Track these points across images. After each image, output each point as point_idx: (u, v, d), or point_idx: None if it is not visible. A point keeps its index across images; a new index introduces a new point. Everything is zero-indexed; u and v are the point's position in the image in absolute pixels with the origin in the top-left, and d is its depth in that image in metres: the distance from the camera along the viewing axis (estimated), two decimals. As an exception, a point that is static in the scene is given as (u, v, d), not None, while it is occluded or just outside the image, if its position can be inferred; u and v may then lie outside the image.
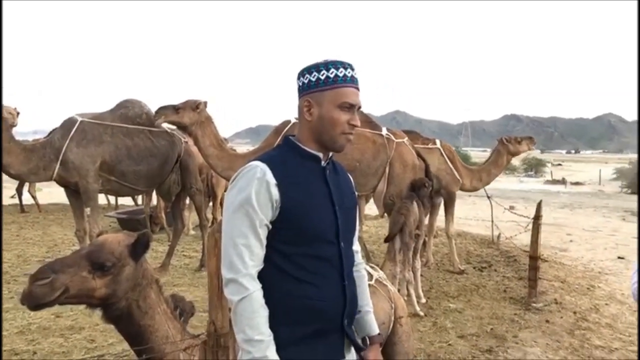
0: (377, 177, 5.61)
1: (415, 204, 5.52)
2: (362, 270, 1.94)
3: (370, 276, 3.06)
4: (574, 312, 5.51)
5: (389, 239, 5.48)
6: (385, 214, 5.95)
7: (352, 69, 1.72)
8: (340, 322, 1.72)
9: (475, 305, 5.60)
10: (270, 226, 1.64)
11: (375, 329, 1.90)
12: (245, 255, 1.60)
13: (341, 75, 1.69)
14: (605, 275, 7.60)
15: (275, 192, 1.62)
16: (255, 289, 1.60)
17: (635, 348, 4.70)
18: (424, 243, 6.03)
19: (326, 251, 1.69)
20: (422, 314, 5.19)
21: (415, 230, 5.52)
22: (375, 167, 5.58)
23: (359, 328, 1.89)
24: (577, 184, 35.31)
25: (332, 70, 1.69)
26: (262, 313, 1.59)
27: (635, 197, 26.12)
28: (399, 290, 5.43)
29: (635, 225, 14.26)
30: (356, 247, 1.92)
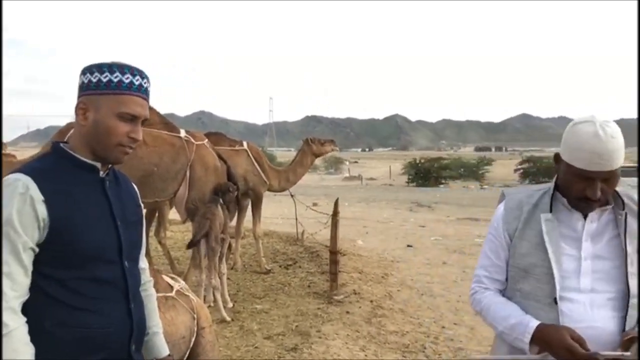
0: (178, 182, 5.37)
1: (220, 207, 5.42)
2: (149, 288, 1.80)
3: (171, 287, 2.90)
4: (371, 301, 5.89)
5: (192, 245, 5.31)
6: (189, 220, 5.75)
7: (143, 77, 1.55)
8: (127, 350, 1.57)
9: (281, 304, 5.69)
10: (36, 249, 1.42)
11: (164, 351, 1.78)
12: (6, 285, 1.36)
13: (127, 81, 1.51)
14: (397, 263, 8.30)
15: (42, 210, 1.41)
16: (18, 325, 1.37)
17: (424, 329, 5.18)
18: (230, 246, 5.95)
19: (107, 272, 1.52)
20: (229, 319, 5.11)
21: (221, 235, 5.43)
22: (175, 170, 5.33)
23: (147, 351, 1.74)
24: (371, 179, 38.53)
25: (117, 74, 1.51)
26: (26, 352, 1.37)
27: (420, 189, 29.29)
28: (205, 298, 5.30)
29: (421, 215, 15.96)
30: (143, 264, 1.76)
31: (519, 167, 36.80)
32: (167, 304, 2.82)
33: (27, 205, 1.40)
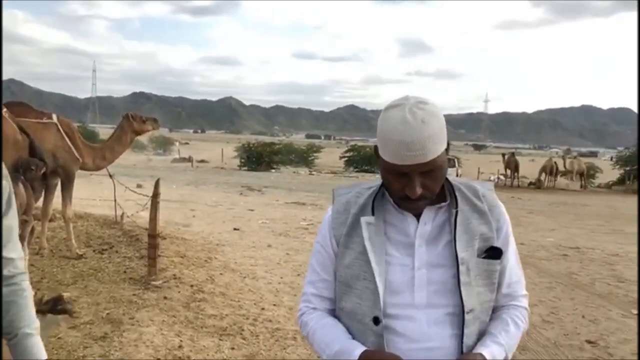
0: (-33, 155, 4.67)
1: (21, 185, 4.84)
2: (21, 282, 1.53)
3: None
4: (191, 285, 5.73)
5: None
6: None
7: None
8: None
9: (92, 291, 5.28)
10: None
11: (39, 355, 1.52)
12: None
13: None
14: (222, 247, 8.22)
15: None
16: None
17: (244, 311, 5.17)
18: (32, 229, 5.36)
19: None
20: (28, 309, 4.60)
21: (23, 216, 4.86)
22: (-36, 143, 4.62)
23: (18, 355, 1.51)
24: (202, 161, 37.78)
25: None
26: None
27: (251, 173, 29.44)
28: None
29: (251, 199, 16.03)
30: (13, 254, 1.51)
31: (344, 155, 38.77)
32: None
33: None
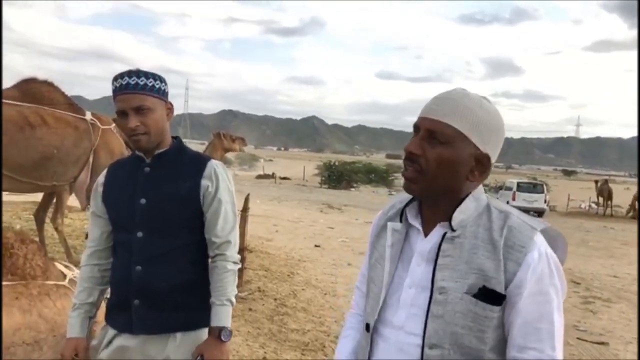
0: (79, 167, 5.07)
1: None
2: (217, 261, 1.98)
3: (64, 276, 2.77)
4: (275, 299, 5.88)
5: None
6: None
7: (131, 76, 1.85)
8: (127, 302, 1.91)
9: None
10: (102, 216, 2.03)
11: (216, 322, 1.92)
12: (89, 235, 2.07)
13: (117, 85, 1.86)
14: (304, 262, 8.36)
15: (99, 190, 2.03)
16: (84, 264, 2.05)
17: (325, 328, 5.23)
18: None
19: (122, 237, 1.96)
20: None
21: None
22: (77, 155, 5.03)
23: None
24: (285, 178, 38.55)
25: (114, 82, 1.87)
26: (83, 285, 2.04)
27: (332, 191, 29.70)
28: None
29: (331, 216, 16.17)
30: (216, 239, 1.96)
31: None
32: (59, 292, 2.68)
33: (95, 187, 2.08)
